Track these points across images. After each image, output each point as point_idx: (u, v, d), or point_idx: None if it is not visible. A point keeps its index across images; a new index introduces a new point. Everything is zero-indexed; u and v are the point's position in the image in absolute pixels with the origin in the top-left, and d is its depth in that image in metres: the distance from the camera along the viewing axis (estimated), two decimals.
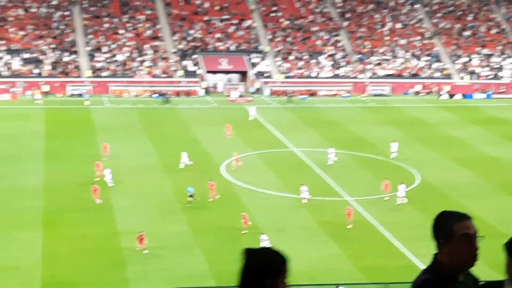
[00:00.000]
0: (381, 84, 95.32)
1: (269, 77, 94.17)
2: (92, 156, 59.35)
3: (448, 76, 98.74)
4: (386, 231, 45.34)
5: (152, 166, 58.08)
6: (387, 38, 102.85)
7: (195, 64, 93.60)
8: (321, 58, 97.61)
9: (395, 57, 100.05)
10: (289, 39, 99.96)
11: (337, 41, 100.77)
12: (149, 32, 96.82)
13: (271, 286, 4.64)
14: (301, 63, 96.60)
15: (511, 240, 4.60)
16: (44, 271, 38.28)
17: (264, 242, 40.48)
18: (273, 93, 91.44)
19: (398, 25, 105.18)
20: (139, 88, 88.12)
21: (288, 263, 4.78)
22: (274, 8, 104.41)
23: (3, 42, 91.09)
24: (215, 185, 50.28)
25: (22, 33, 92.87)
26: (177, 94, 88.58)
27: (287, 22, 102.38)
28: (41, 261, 39.35)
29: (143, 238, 40.93)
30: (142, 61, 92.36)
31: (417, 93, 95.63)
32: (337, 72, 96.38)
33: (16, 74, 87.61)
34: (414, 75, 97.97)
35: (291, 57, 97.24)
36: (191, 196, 48.93)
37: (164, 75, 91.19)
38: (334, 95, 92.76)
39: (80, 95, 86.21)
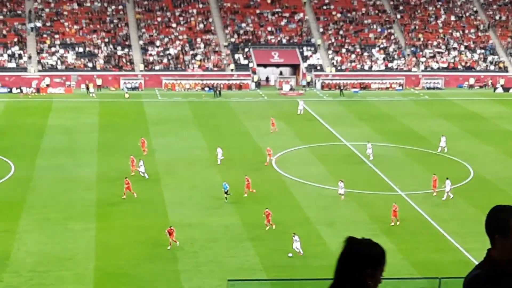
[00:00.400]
0: (434, 77, 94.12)
1: (320, 70, 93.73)
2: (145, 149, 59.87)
3: (503, 69, 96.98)
4: (438, 226, 44.78)
5: (203, 159, 58.29)
6: (441, 30, 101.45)
7: (247, 58, 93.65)
8: (374, 51, 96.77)
9: (449, 50, 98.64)
10: (341, 32, 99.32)
11: (390, 34, 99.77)
12: (201, 26, 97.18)
13: (370, 276, 4.70)
14: (353, 56, 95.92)
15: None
16: (97, 262, 38.74)
17: (296, 242, 40.02)
18: (324, 86, 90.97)
19: (453, 18, 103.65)
20: (191, 82, 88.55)
21: (386, 255, 4.79)
22: (327, 1, 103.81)
23: (58, 36, 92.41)
24: (251, 181, 49.92)
25: (76, 27, 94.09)
26: (229, 87, 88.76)
27: (339, 15, 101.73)
28: (94, 253, 39.83)
29: (172, 232, 40.73)
30: (194, 55, 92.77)
31: (471, 86, 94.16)
32: (389, 65, 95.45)
33: (70, 68, 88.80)
34: (469, 68, 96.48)
35: (343, 50, 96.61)
36: (226, 192, 48.61)
37: (216, 69, 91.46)
38: (387, 88, 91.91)
39: (133, 88, 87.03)
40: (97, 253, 39.89)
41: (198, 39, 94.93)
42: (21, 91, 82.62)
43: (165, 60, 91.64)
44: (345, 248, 4.80)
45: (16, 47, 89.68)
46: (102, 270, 37.93)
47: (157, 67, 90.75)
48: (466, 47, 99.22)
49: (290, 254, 39.84)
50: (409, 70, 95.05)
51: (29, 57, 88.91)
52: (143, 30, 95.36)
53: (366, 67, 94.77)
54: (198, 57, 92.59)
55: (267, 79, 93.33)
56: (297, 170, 55.63)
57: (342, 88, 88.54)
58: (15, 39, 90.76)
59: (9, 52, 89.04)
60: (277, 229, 43.65)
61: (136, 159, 53.87)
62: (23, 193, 48.68)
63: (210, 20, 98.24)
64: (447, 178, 49.75)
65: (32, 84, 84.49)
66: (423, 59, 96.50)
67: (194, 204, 47.91)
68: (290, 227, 44.12)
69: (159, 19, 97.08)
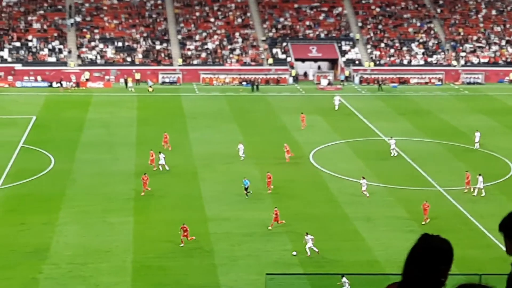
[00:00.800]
0: (474, 72, 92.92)
1: (359, 64, 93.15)
2: (182, 143, 60.07)
3: None
4: (478, 222, 44.26)
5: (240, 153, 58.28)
6: (482, 25, 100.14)
7: (284, 52, 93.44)
8: (413, 46, 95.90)
9: (489, 44, 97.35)
10: (380, 26, 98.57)
11: (430, 28, 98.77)
12: (239, 20, 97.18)
13: (443, 273, 4.71)
14: (392, 51, 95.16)
15: (504, 220, 4.25)
16: (135, 255, 39.01)
17: (309, 242, 39.41)
18: (363, 81, 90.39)
19: (493, 12, 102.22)
20: (228, 76, 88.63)
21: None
22: None
23: (97, 30, 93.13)
24: (272, 177, 49.51)
25: (115, 22, 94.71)
26: (267, 82, 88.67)
27: (378, 9, 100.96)
28: (132, 245, 40.11)
29: (187, 229, 40.24)
30: (232, 49, 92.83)
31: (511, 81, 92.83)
32: (429, 59, 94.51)
33: (109, 62, 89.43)
34: (509, 63, 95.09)
35: (382, 45, 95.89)
36: (246, 188, 48.16)
37: (254, 63, 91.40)
38: (426, 83, 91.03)
39: (171, 82, 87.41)
40: (135, 245, 40.16)
41: (236, 34, 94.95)
42: (61, 85, 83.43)
43: (203, 55, 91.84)
44: (420, 245, 4.76)
45: (57, 42, 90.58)
46: (139, 263, 38.19)
47: (195, 62, 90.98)
48: (507, 41, 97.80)
49: (294, 253, 39.32)
50: (449, 65, 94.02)
51: (69, 52, 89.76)
52: (182, 24, 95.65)
53: (405, 62, 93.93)
54: (236, 52, 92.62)
55: (305, 74, 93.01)
56: (334, 165, 55.38)
57: (380, 83, 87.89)
58: (55, 34, 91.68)
59: (50, 46, 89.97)
60: (314, 224, 43.51)
61: (156, 153, 53.91)
62: (63, 186, 49.19)
63: (248, 14, 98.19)
64: (480, 174, 49.10)
65: (72, 78, 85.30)
66: (463, 54, 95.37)
67: (230, 198, 47.96)
68: (327, 222, 43.99)
69: (197, 13, 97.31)
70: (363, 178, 49.09)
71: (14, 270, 36.98)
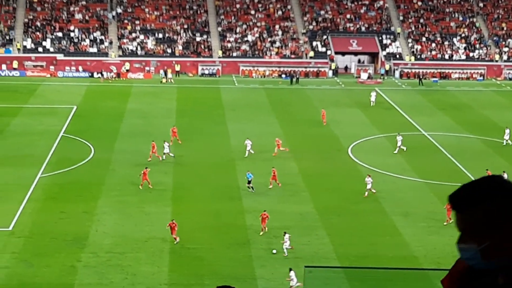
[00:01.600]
0: None
1: (399, 58, 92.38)
2: (220, 135, 60.18)
3: None
4: None
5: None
6: None
7: (324, 45, 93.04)
8: (455, 40, 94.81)
9: None
10: (421, 20, 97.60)
11: (472, 23, 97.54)
12: (279, 13, 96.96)
13: None
14: (433, 45, 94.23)
15: (454, 193, 3.62)
16: (172, 245, 39.19)
17: (286, 243, 38.68)
18: (403, 75, 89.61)
19: None
20: (268, 69, 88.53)
21: None
22: None
23: (138, 22, 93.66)
24: (276, 172, 48.61)
25: (156, 13, 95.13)
26: (306, 75, 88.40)
27: (420, 3, 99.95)
28: (170, 236, 40.29)
29: (174, 227, 39.41)
30: (272, 42, 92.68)
31: None
32: (471, 54, 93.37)
33: (149, 54, 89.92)
34: None
35: (423, 39, 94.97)
36: (249, 182, 47.63)
37: (293, 56, 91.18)
38: (468, 78, 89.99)
39: (210, 74, 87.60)
40: (172, 236, 40.32)
41: (276, 26, 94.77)
42: (102, 75, 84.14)
43: (243, 47, 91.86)
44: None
45: (98, 33, 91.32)
46: (176, 253, 38.40)
47: (234, 54, 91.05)
48: None
49: (274, 251, 38.82)
50: (491, 60, 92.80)
51: (110, 43, 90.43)
52: (222, 16, 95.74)
53: (446, 56, 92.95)
54: (276, 44, 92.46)
55: (346, 68, 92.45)
56: (373, 159, 55.04)
57: (421, 77, 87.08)
58: (97, 25, 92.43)
59: (91, 37, 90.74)
60: (352, 219, 43.38)
61: (157, 144, 53.76)
62: (102, 176, 49.63)
63: (289, 7, 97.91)
64: (504, 172, 48.41)
65: (113, 69, 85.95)
66: (505, 49, 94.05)
67: (268, 191, 47.94)
68: (365, 217, 43.77)
69: (238, 5, 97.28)
70: (369, 176, 47.82)
71: (54, 257, 37.43)
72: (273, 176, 48.47)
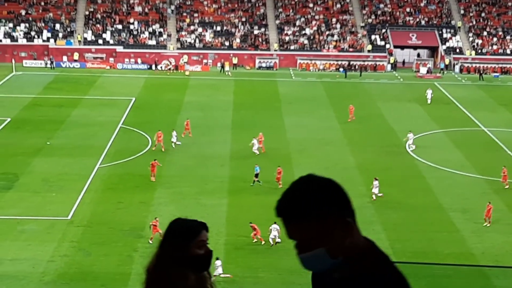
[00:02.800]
0: None
1: (460, 53, 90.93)
2: (277, 128, 60.09)
3: None
4: None
5: (336, 140, 57.95)
6: None
7: (383, 39, 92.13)
8: None
9: None
10: (483, 14, 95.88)
11: None
12: (338, 6, 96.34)
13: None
14: (495, 39, 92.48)
15: (280, 204, 3.65)
16: (228, 237, 39.33)
17: (273, 231, 38.31)
18: (463, 69, 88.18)
19: None
20: (326, 62, 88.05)
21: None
22: None
23: (197, 15, 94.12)
24: (282, 172, 47.34)
25: (215, 6, 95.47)
26: (364, 68, 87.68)
27: None
28: (225, 228, 40.42)
29: (156, 225, 38.17)
30: (330, 35, 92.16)
31: None
32: None
33: (207, 46, 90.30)
34: None
35: (484, 33, 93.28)
36: (256, 175, 46.93)
37: (352, 49, 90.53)
38: None
39: (268, 67, 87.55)
40: (228, 228, 40.48)
41: (334, 19, 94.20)
42: (161, 68, 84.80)
43: (300, 40, 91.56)
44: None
45: (157, 25, 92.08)
46: (231, 245, 38.48)
47: (292, 47, 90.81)
48: None
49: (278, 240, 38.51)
50: None
51: (169, 35, 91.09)
52: (280, 9, 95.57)
53: (508, 51, 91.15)
54: (334, 38, 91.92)
55: (404, 62, 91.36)
56: (432, 155, 54.33)
57: (481, 72, 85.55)
58: (156, 18, 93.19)
59: (150, 29, 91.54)
60: (409, 214, 42.91)
61: (164, 133, 54.01)
62: (159, 167, 49.99)
63: (348, 0, 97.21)
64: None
65: (171, 61, 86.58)
66: None
67: None
68: (422, 213, 43.25)
69: None
70: (376, 179, 45.77)
71: (111, 247, 37.89)
72: (278, 177, 46.95)
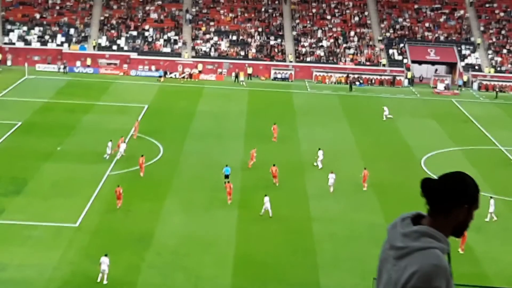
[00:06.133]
0: None
1: (478, 70, 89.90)
2: (290, 139, 59.30)
3: None
4: None
5: (350, 153, 57.18)
6: None
7: (401, 53, 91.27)
8: None
9: None
10: (503, 31, 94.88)
11: None
12: (356, 19, 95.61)
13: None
14: None
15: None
16: (237, 250, 38.59)
17: (267, 203, 42.64)
18: (482, 87, 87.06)
19: None
20: (342, 75, 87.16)
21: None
22: None
23: (213, 23, 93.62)
24: (277, 169, 48.62)
25: (231, 15, 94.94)
26: (381, 83, 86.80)
27: (502, 14, 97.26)
28: (235, 239, 39.71)
29: (120, 194, 43.26)
30: (347, 48, 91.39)
31: None
32: None
33: (222, 56, 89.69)
34: None
35: (504, 51, 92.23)
36: (227, 176, 47.86)
37: (368, 63, 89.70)
38: None
39: (283, 79, 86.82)
40: (238, 240, 39.77)
41: (352, 32, 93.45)
42: (165, 75, 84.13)
43: (317, 52, 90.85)
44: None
45: (172, 33, 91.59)
46: (241, 257, 37.74)
47: (308, 59, 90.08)
48: None
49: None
50: None
51: (184, 43, 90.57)
52: (297, 21, 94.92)
53: None
54: (351, 51, 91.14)
55: (421, 78, 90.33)
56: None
57: (497, 89, 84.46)
58: (172, 25, 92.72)
59: (165, 37, 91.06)
60: None
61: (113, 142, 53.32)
62: (170, 176, 49.34)
63: (366, 13, 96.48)
64: None
65: (185, 70, 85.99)
66: None
67: (337, 198, 46.91)
68: None
69: (314, 10, 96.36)
70: (332, 172, 48.52)
71: (119, 255, 37.14)
72: (274, 175, 48.77)
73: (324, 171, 51.50)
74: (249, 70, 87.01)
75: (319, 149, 54.38)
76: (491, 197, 45.41)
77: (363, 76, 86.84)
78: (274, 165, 49.21)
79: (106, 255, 35.46)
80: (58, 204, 43.68)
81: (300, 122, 66.29)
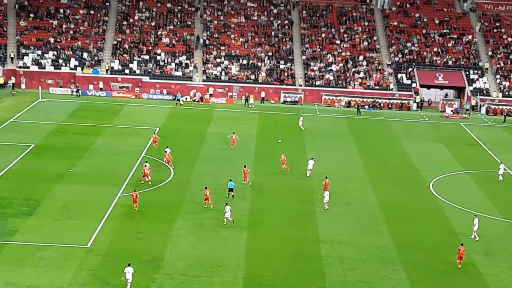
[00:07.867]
0: None
1: (487, 94, 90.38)
2: (299, 162, 59.77)
3: None
4: None
5: (358, 176, 57.62)
6: None
7: (410, 78, 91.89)
8: None
9: None
10: (511, 56, 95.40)
11: None
12: (365, 44, 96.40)
13: None
14: None
15: None
16: (246, 271, 38.96)
17: (228, 212, 44.64)
18: (490, 111, 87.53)
19: None
20: (351, 99, 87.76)
21: None
22: (497, 24, 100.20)
23: (223, 48, 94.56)
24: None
25: (242, 39, 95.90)
26: (389, 106, 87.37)
27: (510, 39, 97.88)
28: (244, 261, 40.09)
29: (136, 198, 47.09)
30: (356, 72, 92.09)
31: None
32: None
33: (233, 79, 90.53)
34: None
35: None
36: (231, 190, 50.18)
37: (377, 87, 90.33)
38: None
39: (293, 102, 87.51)
40: (247, 262, 40.15)
41: (361, 57, 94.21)
42: (179, 100, 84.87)
43: (326, 76, 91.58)
44: None
45: (184, 57, 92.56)
46: (250, 279, 38.09)
47: (317, 83, 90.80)
48: None
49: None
50: None
51: (195, 67, 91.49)
52: (307, 45, 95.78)
53: None
54: (360, 75, 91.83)
55: (430, 102, 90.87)
56: (456, 195, 53.76)
57: (505, 114, 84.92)
58: (183, 49, 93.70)
59: (177, 61, 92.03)
60: (431, 255, 42.32)
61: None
62: (180, 197, 49.89)
63: (375, 38, 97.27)
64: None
65: (196, 93, 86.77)
66: None
67: (345, 221, 47.31)
68: (443, 254, 42.62)
69: (323, 35, 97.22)
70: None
71: None
72: (245, 176, 52.93)
73: (332, 194, 51.97)
74: (262, 94, 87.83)
75: (311, 158, 57.24)
76: (475, 216, 46.08)
77: (378, 100, 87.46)
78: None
79: (129, 265, 36.33)
80: (70, 225, 44.26)
81: (309, 145, 66.88)
